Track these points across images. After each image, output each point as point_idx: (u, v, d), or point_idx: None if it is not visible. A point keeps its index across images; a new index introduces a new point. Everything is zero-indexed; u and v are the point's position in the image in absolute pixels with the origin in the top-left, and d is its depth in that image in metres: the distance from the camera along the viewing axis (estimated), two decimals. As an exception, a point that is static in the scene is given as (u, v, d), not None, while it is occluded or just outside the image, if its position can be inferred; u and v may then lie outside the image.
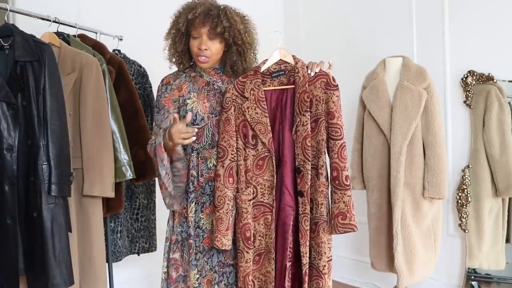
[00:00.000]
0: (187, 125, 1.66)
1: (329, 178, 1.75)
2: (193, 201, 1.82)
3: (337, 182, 1.71)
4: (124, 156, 2.21)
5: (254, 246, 1.76)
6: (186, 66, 1.90)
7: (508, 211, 2.68)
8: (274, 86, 1.79)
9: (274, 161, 1.72)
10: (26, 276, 1.82)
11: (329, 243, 1.75)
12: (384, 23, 3.21)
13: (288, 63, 1.80)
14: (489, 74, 2.67)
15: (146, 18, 3.12)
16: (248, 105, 1.73)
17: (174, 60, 1.89)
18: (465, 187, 2.75)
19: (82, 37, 2.42)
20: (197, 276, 1.80)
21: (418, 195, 2.46)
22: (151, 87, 2.71)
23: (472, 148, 2.75)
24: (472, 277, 2.79)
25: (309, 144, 1.70)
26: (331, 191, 1.74)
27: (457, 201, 2.78)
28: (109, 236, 2.45)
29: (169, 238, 1.89)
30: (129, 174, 2.22)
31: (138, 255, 2.72)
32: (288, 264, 1.73)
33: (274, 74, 1.78)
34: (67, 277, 1.82)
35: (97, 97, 2.09)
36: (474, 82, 2.73)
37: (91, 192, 2.05)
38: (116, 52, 2.61)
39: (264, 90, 1.76)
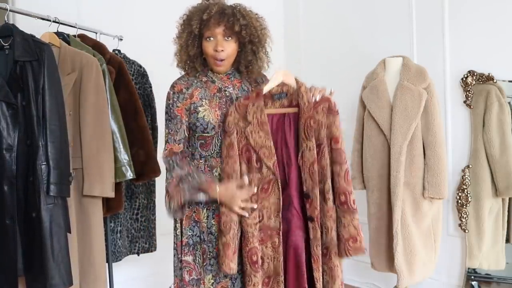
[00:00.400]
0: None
1: (335, 202, 1.75)
2: (205, 207, 1.80)
3: (346, 206, 1.70)
4: (124, 156, 2.21)
5: (263, 269, 1.75)
6: (198, 72, 1.84)
7: (508, 211, 2.68)
8: (276, 108, 1.76)
9: (279, 184, 1.71)
10: (25, 277, 1.82)
11: (341, 266, 1.76)
12: (384, 23, 3.21)
13: (290, 85, 1.76)
14: (489, 74, 2.67)
15: (146, 18, 3.12)
16: (251, 129, 1.70)
17: (186, 66, 1.83)
18: (465, 187, 2.75)
19: (82, 37, 2.42)
20: (212, 281, 1.78)
21: (418, 195, 2.46)
22: (151, 87, 2.71)
23: (472, 148, 2.75)
24: (472, 277, 2.79)
25: (316, 169, 1.70)
26: (339, 216, 1.73)
27: (457, 201, 2.78)
28: (109, 236, 2.45)
29: (179, 240, 1.85)
30: (129, 174, 2.22)
31: (138, 255, 2.72)
32: None
33: (276, 96, 1.76)
34: (65, 278, 1.82)
35: (97, 97, 2.09)
36: (474, 82, 2.73)
37: (91, 192, 2.05)
38: (116, 52, 2.61)
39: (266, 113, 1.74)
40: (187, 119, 1.79)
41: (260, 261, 1.73)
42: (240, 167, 1.72)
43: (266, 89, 1.74)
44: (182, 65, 1.83)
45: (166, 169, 1.80)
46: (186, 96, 1.79)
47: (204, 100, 1.78)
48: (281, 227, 1.72)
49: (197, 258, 1.82)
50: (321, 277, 1.72)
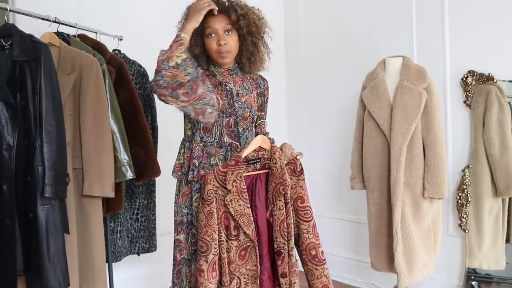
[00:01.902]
0: None
1: (306, 257, 1.83)
2: (197, 191, 1.82)
3: (316, 259, 1.81)
4: (124, 156, 2.21)
5: None
6: (203, 70, 1.86)
7: (508, 211, 2.68)
8: (248, 172, 1.80)
9: (257, 251, 1.75)
10: (25, 277, 1.82)
11: None
12: (384, 23, 3.20)
13: (266, 150, 1.82)
14: (489, 74, 2.67)
15: (146, 18, 3.12)
16: (231, 198, 1.73)
17: None
18: (465, 187, 2.75)
19: (82, 37, 2.42)
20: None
21: (418, 195, 2.46)
22: (151, 87, 2.70)
23: (472, 148, 2.75)
24: (472, 277, 2.79)
25: (286, 227, 1.76)
26: (310, 268, 1.81)
27: (457, 201, 2.78)
28: (109, 236, 2.45)
29: (175, 217, 1.89)
30: (129, 174, 2.22)
31: (138, 255, 2.72)
32: None
33: (251, 162, 1.80)
34: (61, 280, 1.81)
35: (97, 97, 2.09)
36: (474, 82, 2.73)
37: (91, 192, 2.05)
38: (116, 52, 2.61)
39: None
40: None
41: None
42: (219, 236, 1.74)
43: (244, 154, 1.78)
44: None
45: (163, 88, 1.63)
46: None
47: None
48: None
49: (190, 237, 1.84)
50: None
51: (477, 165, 2.72)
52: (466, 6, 2.79)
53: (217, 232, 1.73)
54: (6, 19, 2.09)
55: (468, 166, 2.76)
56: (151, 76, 2.67)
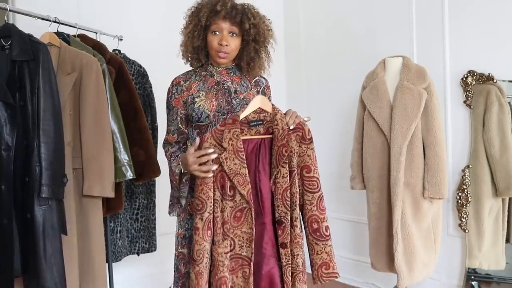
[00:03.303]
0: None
1: (303, 229, 1.77)
2: None
3: (318, 233, 1.73)
4: (124, 156, 2.21)
5: None
6: (201, 64, 1.88)
7: (508, 211, 2.68)
8: (251, 135, 1.75)
9: (253, 213, 1.70)
10: (22, 277, 1.82)
11: None
12: (384, 23, 3.21)
13: (267, 112, 1.76)
14: (489, 74, 2.67)
15: (146, 18, 3.12)
16: (226, 156, 1.69)
17: (190, 56, 1.87)
18: (465, 187, 2.75)
19: (82, 37, 2.42)
20: None
21: (418, 195, 2.46)
22: (151, 87, 2.71)
23: (472, 148, 2.75)
24: (472, 277, 2.78)
25: (289, 196, 1.70)
26: (311, 243, 1.75)
27: (457, 201, 2.78)
28: (109, 236, 2.45)
29: (177, 231, 1.90)
30: (129, 174, 2.22)
31: (138, 255, 2.72)
32: None
33: (252, 123, 1.75)
34: (58, 281, 1.81)
35: (97, 97, 2.09)
36: (474, 82, 2.73)
37: (91, 192, 2.05)
38: (116, 52, 2.61)
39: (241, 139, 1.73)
40: (183, 111, 1.84)
41: None
42: (214, 194, 1.71)
43: (243, 115, 1.74)
44: (187, 55, 1.87)
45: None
46: (184, 88, 1.85)
47: (201, 92, 1.83)
48: (253, 257, 1.71)
49: (191, 251, 1.83)
50: None
51: (477, 165, 2.72)
52: (466, 6, 2.79)
53: (212, 190, 1.70)
54: (6, 19, 2.09)
55: (468, 166, 2.76)
56: (151, 76, 2.70)
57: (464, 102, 2.78)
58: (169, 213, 1.89)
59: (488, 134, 2.65)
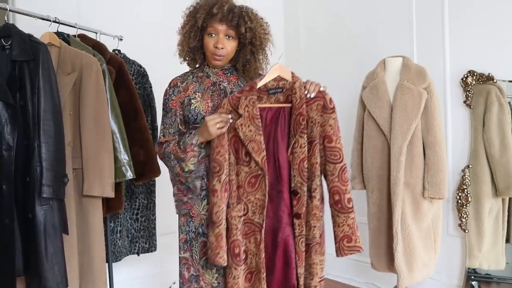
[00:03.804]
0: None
1: (324, 201, 1.74)
2: (204, 199, 1.81)
3: (340, 205, 1.70)
4: (124, 156, 2.21)
5: (246, 264, 1.73)
6: (198, 64, 1.88)
7: (508, 211, 2.68)
8: (271, 103, 1.74)
9: (267, 181, 1.69)
10: (24, 277, 1.82)
11: (321, 264, 1.74)
12: (384, 23, 3.21)
13: (287, 80, 1.74)
14: (489, 74, 2.67)
15: (146, 18, 3.13)
16: (241, 122, 1.68)
17: (186, 56, 1.86)
18: (465, 187, 2.75)
19: (82, 37, 2.42)
20: (216, 275, 1.79)
21: (418, 195, 2.46)
22: (151, 87, 2.71)
23: (472, 148, 2.75)
24: (472, 277, 2.79)
25: (306, 166, 1.68)
26: (333, 215, 1.72)
27: (457, 201, 2.78)
28: (109, 236, 2.45)
29: (179, 237, 1.89)
30: (129, 174, 2.22)
31: (138, 255, 2.72)
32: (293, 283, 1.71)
33: (271, 91, 1.73)
34: (60, 280, 1.81)
35: (97, 97, 2.09)
36: (474, 82, 2.73)
37: (91, 192, 2.05)
38: (116, 52, 2.61)
39: (259, 107, 1.71)
40: (181, 112, 1.83)
41: (242, 255, 1.72)
42: (229, 157, 1.71)
43: (261, 83, 1.73)
44: (183, 55, 1.87)
45: (164, 157, 1.83)
46: (181, 89, 1.84)
47: (197, 93, 1.82)
48: (264, 224, 1.70)
49: (194, 254, 1.83)
50: (303, 273, 1.72)
51: (477, 165, 2.72)
52: (466, 6, 2.79)
53: (228, 153, 1.70)
54: (6, 19, 2.09)
55: (468, 166, 2.76)
56: (151, 76, 2.70)
57: (464, 102, 2.78)
58: (177, 213, 1.87)
59: (488, 134, 2.65)
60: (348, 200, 1.70)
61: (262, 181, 1.70)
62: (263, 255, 1.70)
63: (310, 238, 1.71)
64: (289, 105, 1.72)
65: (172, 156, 1.77)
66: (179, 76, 1.89)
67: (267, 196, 1.69)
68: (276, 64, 1.75)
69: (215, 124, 1.68)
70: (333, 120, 1.70)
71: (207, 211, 1.80)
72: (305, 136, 1.68)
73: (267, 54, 1.89)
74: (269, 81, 1.74)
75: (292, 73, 1.76)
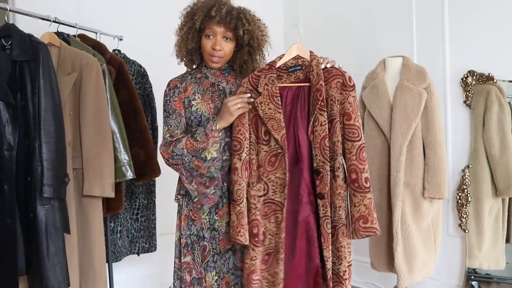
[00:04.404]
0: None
1: (346, 180, 1.71)
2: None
3: (356, 184, 1.67)
4: (124, 156, 2.21)
5: (264, 245, 1.71)
6: (195, 65, 1.88)
7: (508, 211, 2.68)
8: (291, 81, 1.75)
9: (287, 159, 1.67)
10: (26, 276, 1.82)
11: (349, 248, 1.72)
12: (384, 23, 3.21)
13: (306, 59, 1.76)
14: (489, 74, 2.67)
15: (146, 18, 3.12)
16: (261, 100, 1.69)
17: (184, 57, 1.86)
18: (465, 187, 2.75)
19: (82, 37, 2.42)
20: (216, 277, 1.79)
21: (418, 195, 2.46)
22: (151, 87, 2.71)
23: (472, 148, 2.75)
24: (472, 277, 2.79)
25: (328, 145, 1.66)
26: (350, 194, 1.69)
27: (457, 201, 2.78)
28: (109, 236, 2.45)
29: (179, 242, 1.87)
30: (129, 174, 2.22)
31: (138, 255, 2.72)
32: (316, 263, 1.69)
33: (291, 69, 1.74)
34: (61, 280, 1.81)
35: (97, 97, 2.09)
36: (474, 82, 2.73)
37: (91, 192, 2.05)
38: (116, 52, 2.61)
39: (279, 86, 1.72)
40: (184, 112, 1.82)
41: (261, 236, 1.70)
42: (250, 136, 1.72)
43: (280, 62, 1.75)
44: (181, 56, 1.86)
45: (173, 157, 1.76)
46: (181, 90, 1.84)
47: (197, 94, 1.82)
48: (286, 203, 1.68)
49: (196, 257, 1.82)
50: (330, 256, 1.68)
51: (477, 165, 2.72)
52: (466, 6, 2.79)
53: (248, 132, 1.71)
54: (6, 19, 2.09)
55: (468, 166, 2.76)
56: (151, 76, 2.70)
57: (464, 102, 2.78)
58: (202, 205, 1.79)
59: (488, 134, 2.65)
60: (366, 180, 1.67)
61: (282, 160, 1.69)
62: (284, 235, 1.68)
63: (336, 219, 1.67)
64: (308, 84, 1.72)
65: (185, 151, 1.73)
66: (177, 77, 1.89)
67: (287, 175, 1.68)
68: (294, 44, 1.77)
69: (236, 103, 1.69)
70: (353, 98, 1.69)
71: (207, 215, 1.80)
72: (325, 114, 1.67)
73: (264, 55, 1.90)
74: (289, 60, 1.76)
75: (311, 51, 1.78)
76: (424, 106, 2.43)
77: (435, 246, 2.55)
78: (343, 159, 1.70)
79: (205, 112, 1.79)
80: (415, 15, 3.03)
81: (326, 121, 1.66)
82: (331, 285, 1.69)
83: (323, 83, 1.67)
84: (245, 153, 1.70)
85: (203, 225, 1.80)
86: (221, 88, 1.83)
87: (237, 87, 1.79)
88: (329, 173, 1.67)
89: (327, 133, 1.66)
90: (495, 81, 2.66)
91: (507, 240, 2.69)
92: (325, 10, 3.64)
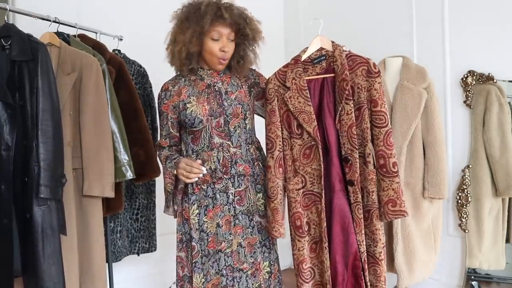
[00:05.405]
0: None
1: (375, 165, 1.76)
2: (194, 203, 1.81)
3: (384, 169, 1.72)
4: (124, 156, 2.21)
5: (310, 235, 1.78)
6: (191, 69, 1.86)
7: (508, 211, 2.68)
8: (316, 73, 1.78)
9: (320, 150, 1.72)
10: (22, 277, 1.82)
11: (382, 230, 1.77)
12: (384, 23, 3.20)
13: (328, 50, 1.80)
14: (489, 74, 2.67)
15: (146, 18, 3.12)
16: (290, 95, 1.73)
17: (181, 62, 1.83)
18: (465, 187, 2.75)
19: (82, 37, 2.42)
20: (203, 280, 1.81)
21: (418, 195, 2.46)
22: (151, 87, 2.71)
23: (472, 148, 2.75)
24: (472, 277, 2.78)
25: (355, 133, 1.70)
26: (378, 179, 1.74)
27: (457, 201, 2.78)
28: (109, 236, 2.45)
29: (177, 235, 1.93)
30: (129, 174, 2.22)
31: (138, 255, 2.72)
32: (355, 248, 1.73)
33: (316, 61, 1.78)
34: (57, 281, 1.80)
35: (97, 97, 2.09)
36: (474, 82, 2.73)
37: (91, 192, 2.05)
38: (116, 52, 2.61)
39: (306, 79, 1.76)
40: (173, 116, 1.87)
41: (305, 227, 1.76)
42: (282, 133, 1.76)
43: (305, 55, 1.78)
44: (178, 61, 1.83)
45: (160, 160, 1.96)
46: (173, 93, 1.86)
47: (192, 97, 1.84)
48: (324, 193, 1.73)
49: (188, 255, 1.85)
50: (364, 240, 1.73)
51: (477, 165, 2.72)
52: (466, 6, 2.79)
53: (280, 129, 1.75)
54: (6, 19, 2.09)
55: (468, 166, 2.75)
56: (151, 76, 2.70)
57: (464, 102, 2.78)
58: (164, 212, 1.97)
59: (488, 134, 2.65)
60: (393, 164, 1.71)
61: (316, 151, 1.74)
62: (325, 224, 1.73)
63: (369, 204, 1.72)
64: (333, 74, 1.76)
65: (161, 162, 1.92)
66: (170, 80, 1.91)
67: (322, 166, 1.73)
68: (316, 36, 1.81)
69: (190, 176, 1.76)
70: (378, 84, 1.72)
71: (196, 216, 1.82)
72: (351, 102, 1.71)
73: (255, 50, 1.92)
74: (312, 52, 1.80)
75: (332, 42, 1.82)
76: (424, 106, 2.43)
77: (435, 246, 2.55)
78: (371, 145, 1.75)
79: (199, 115, 1.80)
80: (415, 15, 3.02)
81: (353, 110, 1.71)
82: (367, 267, 1.74)
83: (347, 73, 1.71)
84: (278, 150, 1.76)
85: (192, 226, 1.82)
86: (217, 89, 1.84)
87: (265, 85, 1.82)
88: (357, 160, 1.72)
89: (354, 121, 1.71)
90: (495, 81, 2.65)
91: (507, 240, 2.69)
92: (325, 10, 3.64)
